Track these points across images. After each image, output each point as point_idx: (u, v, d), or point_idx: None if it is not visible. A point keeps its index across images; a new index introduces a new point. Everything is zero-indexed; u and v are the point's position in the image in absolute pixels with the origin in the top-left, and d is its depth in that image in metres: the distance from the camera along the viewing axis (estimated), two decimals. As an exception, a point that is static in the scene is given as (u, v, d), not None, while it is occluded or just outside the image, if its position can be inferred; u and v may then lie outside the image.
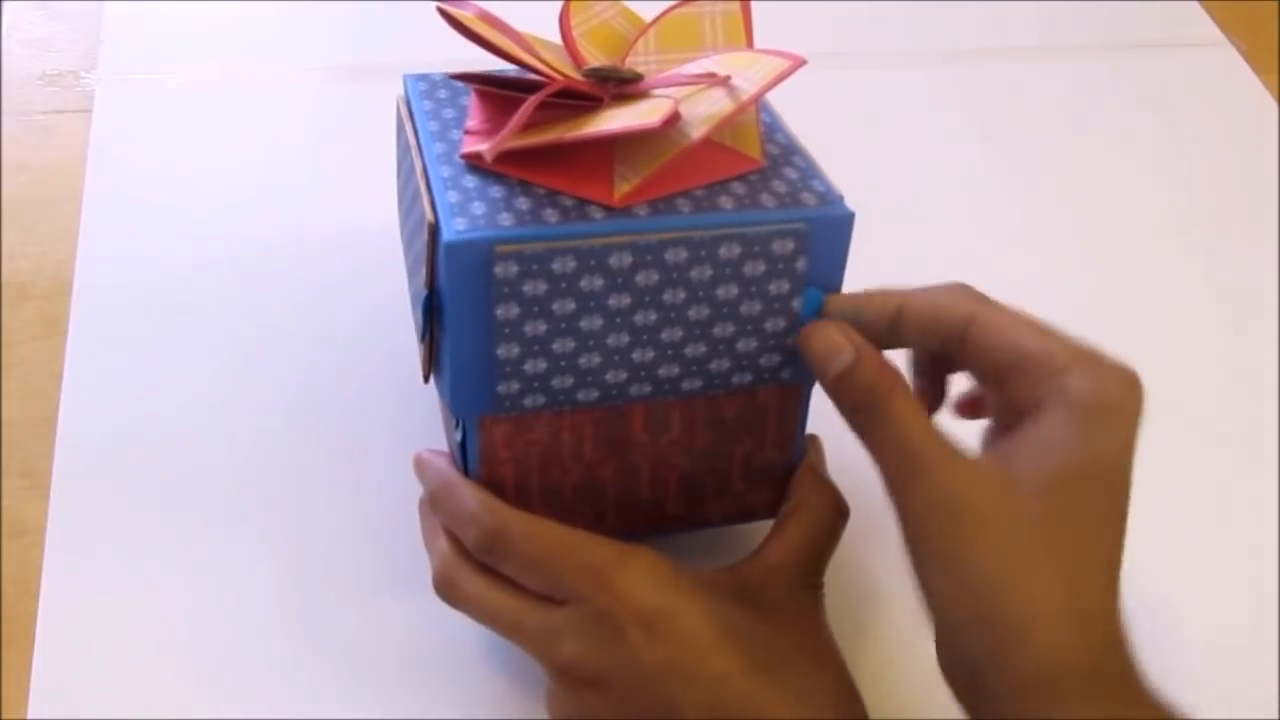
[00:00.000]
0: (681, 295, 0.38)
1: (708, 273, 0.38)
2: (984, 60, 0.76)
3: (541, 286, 0.36)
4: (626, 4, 0.44)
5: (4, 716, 0.43)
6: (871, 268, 0.42)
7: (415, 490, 0.43)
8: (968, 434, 0.38)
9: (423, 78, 0.44)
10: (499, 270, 0.36)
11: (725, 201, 0.38)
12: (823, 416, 0.42)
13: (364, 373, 0.55)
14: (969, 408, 0.43)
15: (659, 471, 0.42)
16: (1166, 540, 0.51)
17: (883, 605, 0.48)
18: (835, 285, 0.40)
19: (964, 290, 0.39)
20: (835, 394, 0.38)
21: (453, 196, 0.38)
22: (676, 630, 0.38)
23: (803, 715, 0.38)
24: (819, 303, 0.39)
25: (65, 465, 0.50)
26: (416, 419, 0.52)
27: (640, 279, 0.37)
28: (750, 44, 0.42)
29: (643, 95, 0.39)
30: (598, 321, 0.37)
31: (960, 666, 0.36)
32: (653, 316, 0.38)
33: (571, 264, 0.36)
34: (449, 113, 0.42)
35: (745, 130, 0.41)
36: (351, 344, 0.56)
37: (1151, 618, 0.49)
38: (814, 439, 0.45)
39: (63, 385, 0.53)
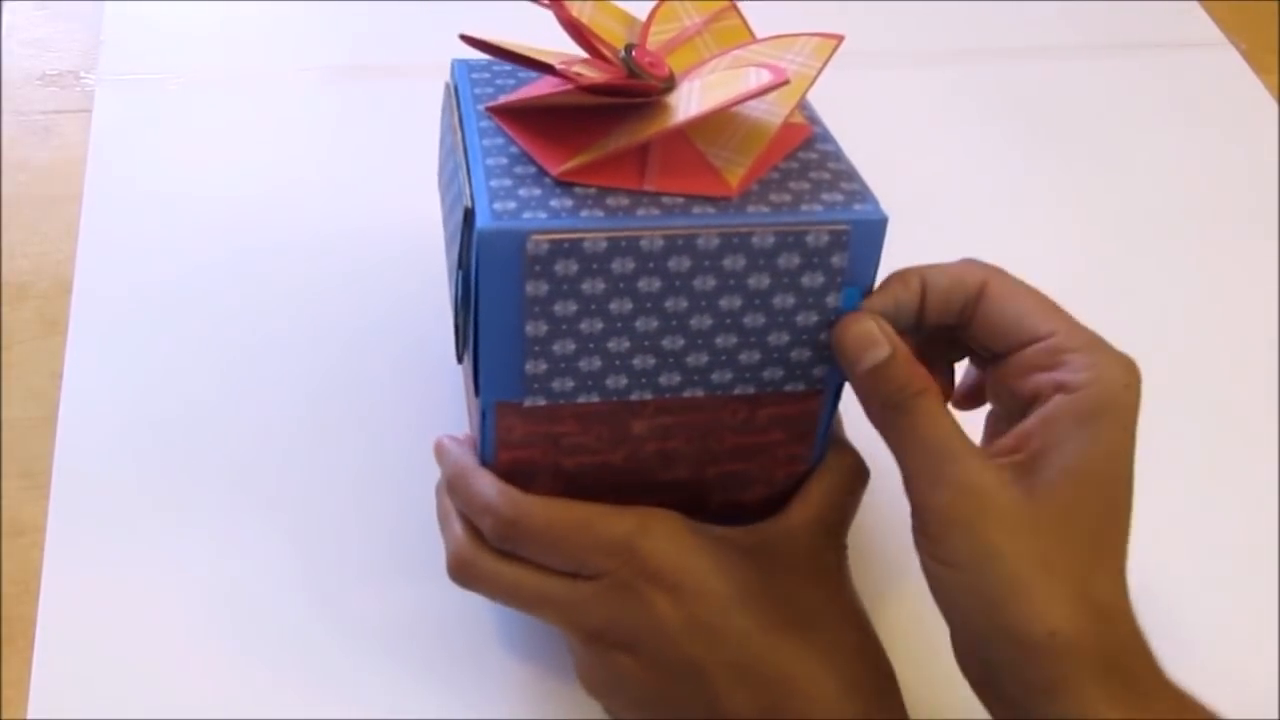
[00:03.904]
0: (712, 283, 0.38)
1: (740, 262, 0.37)
2: (983, 61, 0.76)
3: (573, 266, 0.36)
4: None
5: (4, 716, 0.43)
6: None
7: (430, 479, 0.43)
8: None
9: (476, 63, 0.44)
10: (530, 247, 0.36)
11: (769, 195, 0.38)
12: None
13: (363, 372, 0.55)
14: (969, 398, 0.43)
15: (672, 464, 0.42)
16: (1167, 538, 0.51)
17: (902, 578, 0.48)
18: (866, 287, 0.39)
19: (976, 261, 0.40)
20: (866, 388, 0.38)
21: (494, 182, 0.38)
22: (698, 590, 0.38)
23: (828, 671, 0.38)
24: (856, 302, 0.39)
25: (65, 465, 0.50)
26: (416, 415, 0.52)
27: (672, 264, 0.37)
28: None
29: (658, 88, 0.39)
30: (628, 305, 0.37)
31: (978, 668, 0.36)
32: (684, 303, 0.38)
33: (603, 245, 0.36)
34: (507, 83, 0.42)
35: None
36: (349, 343, 0.56)
37: (1150, 616, 0.50)
38: None
39: (63, 385, 0.53)
